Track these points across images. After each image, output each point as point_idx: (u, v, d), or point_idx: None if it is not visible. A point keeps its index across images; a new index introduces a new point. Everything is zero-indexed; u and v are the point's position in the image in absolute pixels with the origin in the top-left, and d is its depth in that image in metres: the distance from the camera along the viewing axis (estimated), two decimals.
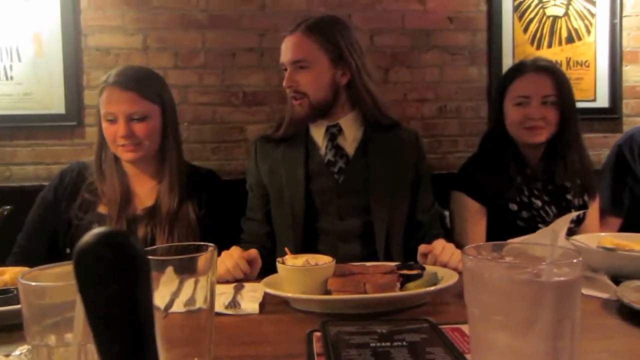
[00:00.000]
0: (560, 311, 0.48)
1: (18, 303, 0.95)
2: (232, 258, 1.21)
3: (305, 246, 1.43)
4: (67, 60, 2.25)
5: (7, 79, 2.24)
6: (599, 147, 2.48)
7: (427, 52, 2.45)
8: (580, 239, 1.20)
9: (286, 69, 1.50)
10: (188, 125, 2.32)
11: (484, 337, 0.52)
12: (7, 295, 0.96)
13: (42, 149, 2.30)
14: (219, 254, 1.16)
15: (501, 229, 1.61)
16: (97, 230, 0.29)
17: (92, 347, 0.47)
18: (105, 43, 2.30)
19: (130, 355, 0.30)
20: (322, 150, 1.52)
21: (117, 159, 1.50)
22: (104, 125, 1.45)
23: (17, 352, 0.73)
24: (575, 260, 0.51)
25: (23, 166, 2.30)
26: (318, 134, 1.53)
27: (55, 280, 0.54)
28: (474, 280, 0.53)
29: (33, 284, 0.49)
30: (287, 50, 1.48)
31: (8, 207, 1.89)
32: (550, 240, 0.50)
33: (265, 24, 2.35)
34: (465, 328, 0.83)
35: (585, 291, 1.02)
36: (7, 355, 0.72)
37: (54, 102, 2.27)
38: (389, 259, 1.40)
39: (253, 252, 1.26)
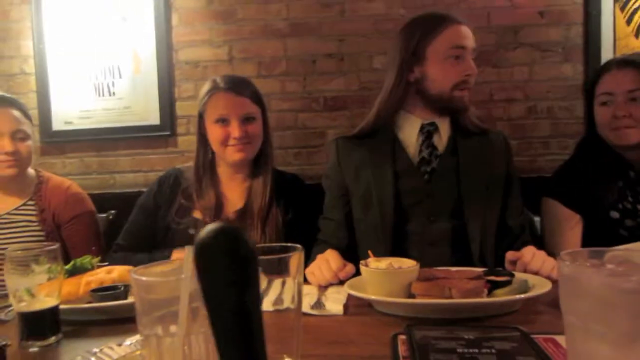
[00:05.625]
0: None
1: (125, 298, 1.04)
2: (330, 270, 1.20)
3: (394, 250, 1.39)
4: (161, 75, 2.44)
5: (109, 94, 2.47)
6: None
7: (515, 50, 2.35)
8: None
9: (459, 56, 1.43)
10: (271, 131, 2.39)
11: (582, 348, 0.49)
12: (116, 292, 1.06)
13: (140, 158, 2.50)
14: (307, 257, 1.19)
15: (600, 239, 1.49)
16: (214, 225, 0.33)
17: (195, 338, 0.51)
18: (194, 56, 2.45)
19: (240, 337, 0.34)
20: (411, 149, 1.47)
21: (212, 167, 1.59)
22: (214, 128, 1.52)
23: (128, 342, 0.80)
24: None
25: (124, 174, 2.50)
26: (409, 132, 1.48)
27: (159, 278, 0.58)
28: (572, 287, 0.50)
29: (144, 279, 0.53)
30: (466, 36, 1.44)
31: (113, 211, 2.08)
32: None
33: (345, 30, 2.38)
34: (559, 339, 0.78)
35: None
36: (120, 345, 0.79)
37: (150, 114, 2.46)
38: (484, 265, 1.34)
39: (350, 269, 1.22)
